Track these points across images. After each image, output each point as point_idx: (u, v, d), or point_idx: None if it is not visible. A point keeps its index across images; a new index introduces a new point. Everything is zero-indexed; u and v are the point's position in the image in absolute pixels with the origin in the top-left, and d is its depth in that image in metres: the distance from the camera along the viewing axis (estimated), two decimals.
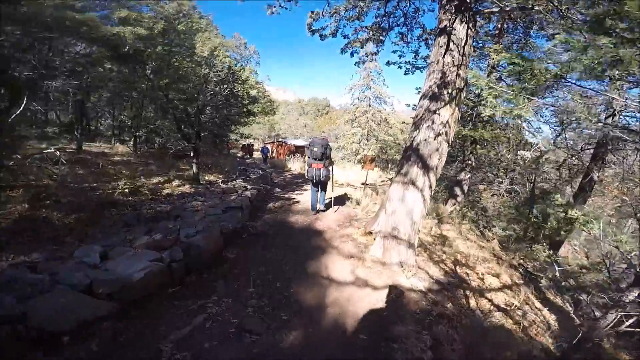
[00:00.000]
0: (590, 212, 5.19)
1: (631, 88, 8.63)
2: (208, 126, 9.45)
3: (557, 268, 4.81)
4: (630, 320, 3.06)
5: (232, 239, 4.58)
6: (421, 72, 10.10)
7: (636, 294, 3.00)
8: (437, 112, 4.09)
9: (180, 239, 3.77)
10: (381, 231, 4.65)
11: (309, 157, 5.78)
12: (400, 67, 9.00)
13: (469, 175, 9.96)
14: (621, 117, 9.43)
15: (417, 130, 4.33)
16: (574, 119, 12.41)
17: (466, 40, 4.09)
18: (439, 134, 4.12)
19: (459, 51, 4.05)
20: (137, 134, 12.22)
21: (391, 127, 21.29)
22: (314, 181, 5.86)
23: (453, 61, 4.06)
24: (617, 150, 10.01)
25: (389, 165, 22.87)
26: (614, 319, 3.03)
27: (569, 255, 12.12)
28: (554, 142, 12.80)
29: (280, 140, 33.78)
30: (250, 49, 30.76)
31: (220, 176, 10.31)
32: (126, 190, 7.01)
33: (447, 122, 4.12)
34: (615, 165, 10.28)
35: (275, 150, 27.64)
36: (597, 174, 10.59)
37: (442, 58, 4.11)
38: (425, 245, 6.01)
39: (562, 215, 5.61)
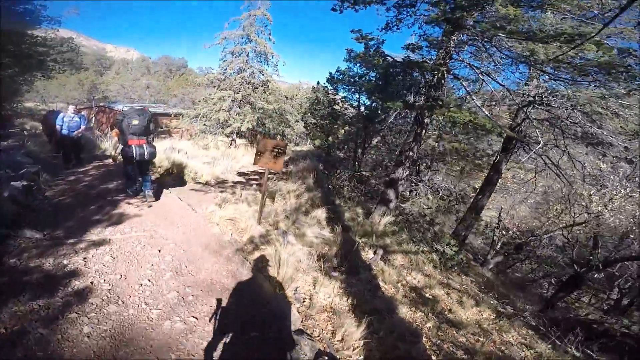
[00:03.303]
0: None
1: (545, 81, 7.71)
2: None
3: None
4: None
5: None
6: (357, 11, 6.00)
7: None
8: None
9: None
10: None
11: (124, 132, 4.47)
12: None
13: (407, 172, 7.03)
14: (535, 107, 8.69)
15: None
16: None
17: None
18: None
19: None
20: None
21: (271, 94, 16.55)
22: (135, 160, 4.60)
23: None
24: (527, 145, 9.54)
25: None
26: None
27: None
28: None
29: (101, 105, 22.78)
30: None
31: None
32: None
33: None
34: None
35: (93, 120, 17.94)
36: (505, 165, 10.03)
37: None
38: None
39: None
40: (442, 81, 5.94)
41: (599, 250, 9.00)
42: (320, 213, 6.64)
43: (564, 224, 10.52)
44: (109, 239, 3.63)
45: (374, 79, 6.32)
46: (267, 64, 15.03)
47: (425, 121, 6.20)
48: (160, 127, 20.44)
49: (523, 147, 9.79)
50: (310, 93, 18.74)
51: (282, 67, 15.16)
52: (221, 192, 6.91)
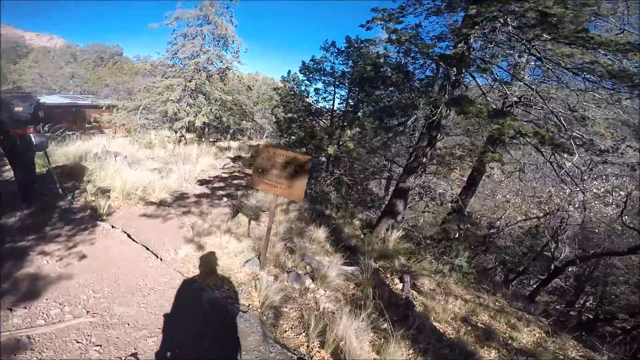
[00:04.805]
0: None
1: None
2: None
3: None
4: None
5: None
6: None
7: None
8: None
9: None
10: None
11: (3, 122, 3.73)
12: None
13: (418, 181, 6.20)
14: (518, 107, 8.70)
15: None
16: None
17: None
18: None
19: None
20: None
21: (226, 84, 14.41)
22: (15, 152, 3.87)
23: None
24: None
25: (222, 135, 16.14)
26: None
27: None
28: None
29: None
30: None
31: None
32: None
33: None
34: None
35: None
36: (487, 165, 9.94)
37: None
38: None
39: None
40: (461, 79, 5.18)
41: (576, 246, 9.51)
42: (321, 233, 5.50)
43: (525, 217, 11.06)
44: (26, 337, 2.02)
45: (390, 72, 5.37)
46: (227, 50, 12.95)
47: (442, 123, 5.40)
48: (89, 122, 16.86)
49: (505, 147, 9.81)
50: (275, 85, 17.10)
51: (243, 54, 13.25)
52: (184, 213, 5.18)
